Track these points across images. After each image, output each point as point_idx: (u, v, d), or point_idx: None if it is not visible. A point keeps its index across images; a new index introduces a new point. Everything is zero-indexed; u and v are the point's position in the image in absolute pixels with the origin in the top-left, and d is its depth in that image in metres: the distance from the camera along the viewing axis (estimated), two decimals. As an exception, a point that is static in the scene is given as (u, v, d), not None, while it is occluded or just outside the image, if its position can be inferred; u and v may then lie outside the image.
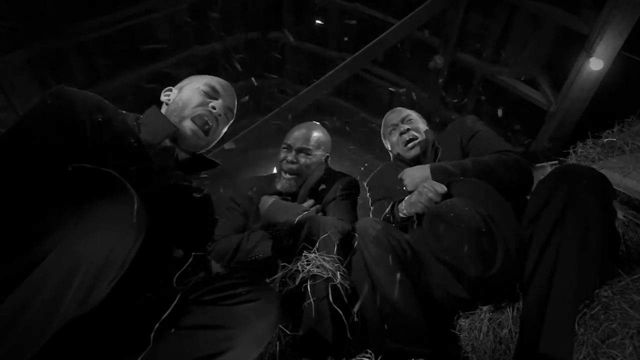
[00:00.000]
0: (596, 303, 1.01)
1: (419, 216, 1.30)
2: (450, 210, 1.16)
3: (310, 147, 1.69)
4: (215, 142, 1.29)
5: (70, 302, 0.66)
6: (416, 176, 1.46)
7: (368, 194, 1.76)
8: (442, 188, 1.27)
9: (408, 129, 1.72)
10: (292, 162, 1.65)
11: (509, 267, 1.11)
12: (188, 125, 1.15)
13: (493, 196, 1.20)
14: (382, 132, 1.88)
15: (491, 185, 1.25)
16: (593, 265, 1.00)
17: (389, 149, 1.86)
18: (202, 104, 1.18)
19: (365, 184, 1.80)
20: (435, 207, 1.23)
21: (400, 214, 1.39)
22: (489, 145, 1.50)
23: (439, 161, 1.57)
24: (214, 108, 1.19)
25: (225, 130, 1.30)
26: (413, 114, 1.81)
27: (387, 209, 1.46)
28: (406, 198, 1.38)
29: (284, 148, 1.72)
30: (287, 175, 1.65)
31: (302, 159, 1.67)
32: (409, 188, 1.46)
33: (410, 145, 1.68)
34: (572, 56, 2.65)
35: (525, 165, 1.39)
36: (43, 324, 0.65)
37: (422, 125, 1.78)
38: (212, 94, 1.22)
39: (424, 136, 1.71)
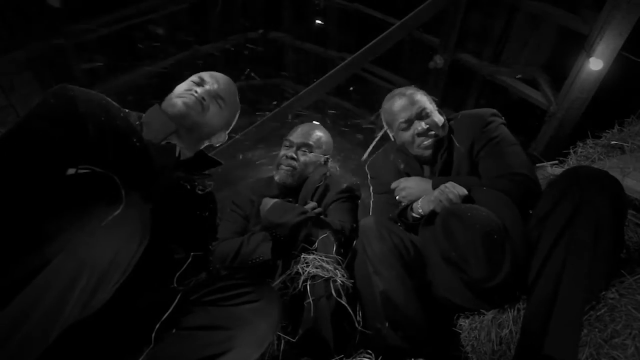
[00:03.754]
0: (602, 305, 1.01)
1: (431, 216, 1.30)
2: (468, 210, 1.16)
3: (311, 144, 1.71)
4: (216, 133, 1.30)
5: (73, 306, 0.66)
6: (415, 190, 1.43)
7: (369, 180, 1.73)
8: (463, 191, 1.27)
9: (428, 129, 1.47)
10: (292, 158, 1.68)
11: (512, 280, 1.11)
12: (176, 102, 1.19)
13: (511, 210, 1.19)
14: (385, 119, 1.60)
15: None
16: (602, 266, 1.00)
17: (394, 138, 1.62)
18: (188, 89, 1.23)
19: (366, 167, 1.75)
20: (453, 206, 1.23)
21: (414, 214, 1.38)
22: (500, 164, 1.35)
23: (452, 166, 1.48)
24: (196, 92, 1.22)
25: (219, 119, 1.30)
26: (427, 102, 1.52)
27: (397, 211, 1.46)
28: (423, 197, 1.37)
29: (285, 145, 1.74)
30: (285, 167, 1.67)
31: (302, 157, 1.69)
32: (405, 202, 1.45)
33: (427, 144, 1.48)
34: (572, 56, 2.65)
35: (535, 191, 1.28)
36: (46, 327, 0.65)
37: (438, 116, 1.52)
38: (198, 81, 1.27)
39: (442, 132, 1.49)
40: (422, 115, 1.49)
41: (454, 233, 1.15)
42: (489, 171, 1.37)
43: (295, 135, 1.75)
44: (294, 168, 1.67)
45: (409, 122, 1.50)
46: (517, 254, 1.11)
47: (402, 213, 1.44)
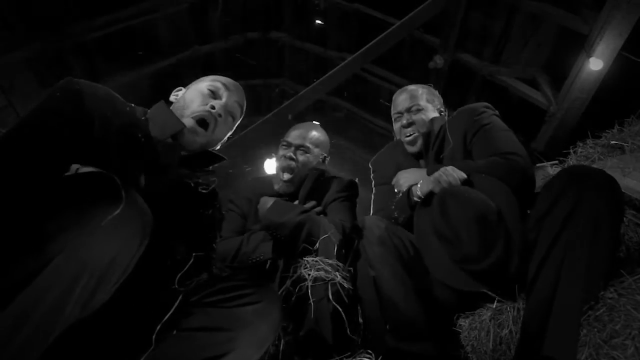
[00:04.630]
0: (601, 304, 1.01)
1: (429, 197, 1.30)
2: (465, 192, 1.19)
3: (309, 145, 1.71)
4: (221, 142, 1.28)
5: (73, 306, 0.66)
6: (411, 178, 1.45)
7: (372, 176, 1.77)
8: (462, 175, 1.28)
9: (411, 124, 1.59)
10: (291, 159, 1.67)
11: (507, 266, 1.12)
12: (188, 122, 1.11)
13: (508, 197, 1.21)
14: (391, 108, 1.72)
15: None
16: (600, 266, 1.00)
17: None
18: (203, 104, 1.15)
19: (369, 164, 1.80)
20: (451, 187, 1.24)
21: (415, 197, 1.39)
22: (491, 145, 1.38)
23: (442, 156, 1.52)
24: (213, 107, 1.15)
25: (230, 131, 1.28)
26: (422, 100, 1.64)
27: (397, 199, 1.47)
28: (422, 180, 1.37)
29: (283, 145, 1.74)
30: (285, 176, 1.66)
31: (301, 157, 1.69)
32: (404, 188, 1.45)
33: (410, 139, 1.59)
34: (572, 56, 2.65)
35: (525, 169, 1.30)
36: (47, 328, 0.65)
37: (432, 112, 1.62)
38: (214, 94, 1.19)
39: (428, 127, 1.56)
40: (411, 109, 1.62)
41: (450, 211, 1.17)
42: (482, 154, 1.40)
43: (293, 136, 1.74)
44: (293, 169, 1.67)
45: (400, 114, 1.65)
46: (512, 239, 1.12)
47: (401, 200, 1.44)
